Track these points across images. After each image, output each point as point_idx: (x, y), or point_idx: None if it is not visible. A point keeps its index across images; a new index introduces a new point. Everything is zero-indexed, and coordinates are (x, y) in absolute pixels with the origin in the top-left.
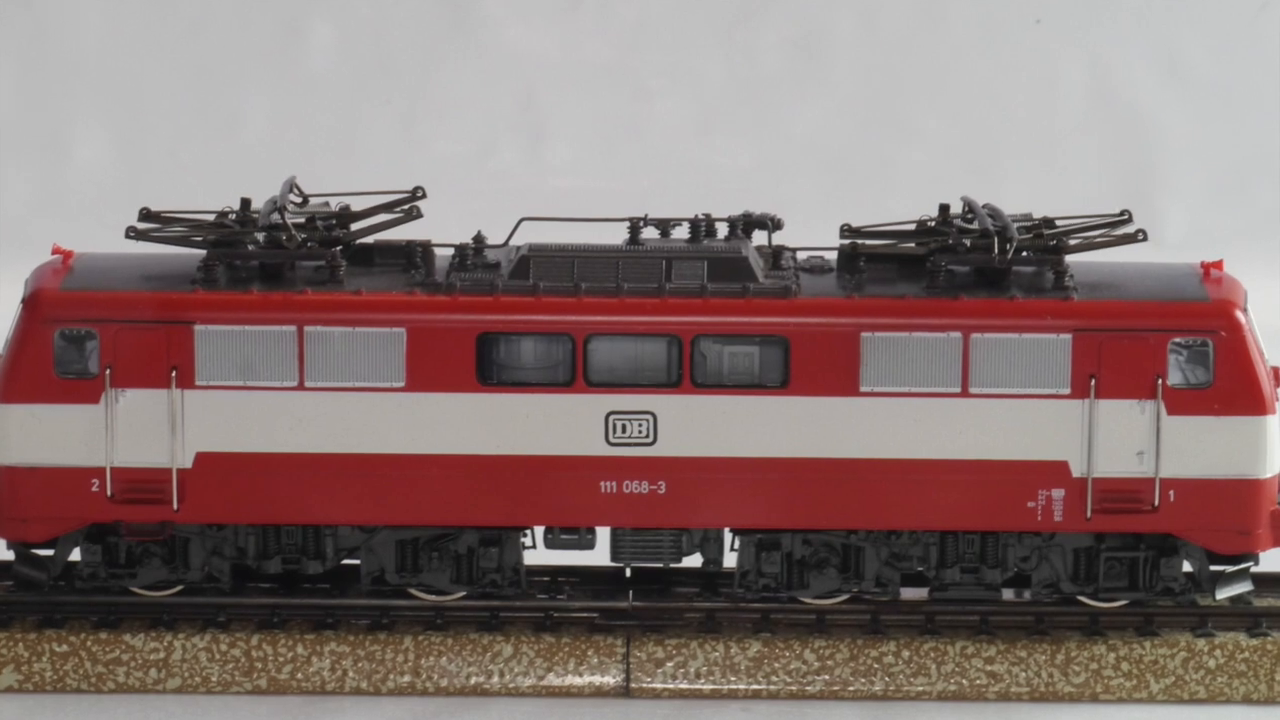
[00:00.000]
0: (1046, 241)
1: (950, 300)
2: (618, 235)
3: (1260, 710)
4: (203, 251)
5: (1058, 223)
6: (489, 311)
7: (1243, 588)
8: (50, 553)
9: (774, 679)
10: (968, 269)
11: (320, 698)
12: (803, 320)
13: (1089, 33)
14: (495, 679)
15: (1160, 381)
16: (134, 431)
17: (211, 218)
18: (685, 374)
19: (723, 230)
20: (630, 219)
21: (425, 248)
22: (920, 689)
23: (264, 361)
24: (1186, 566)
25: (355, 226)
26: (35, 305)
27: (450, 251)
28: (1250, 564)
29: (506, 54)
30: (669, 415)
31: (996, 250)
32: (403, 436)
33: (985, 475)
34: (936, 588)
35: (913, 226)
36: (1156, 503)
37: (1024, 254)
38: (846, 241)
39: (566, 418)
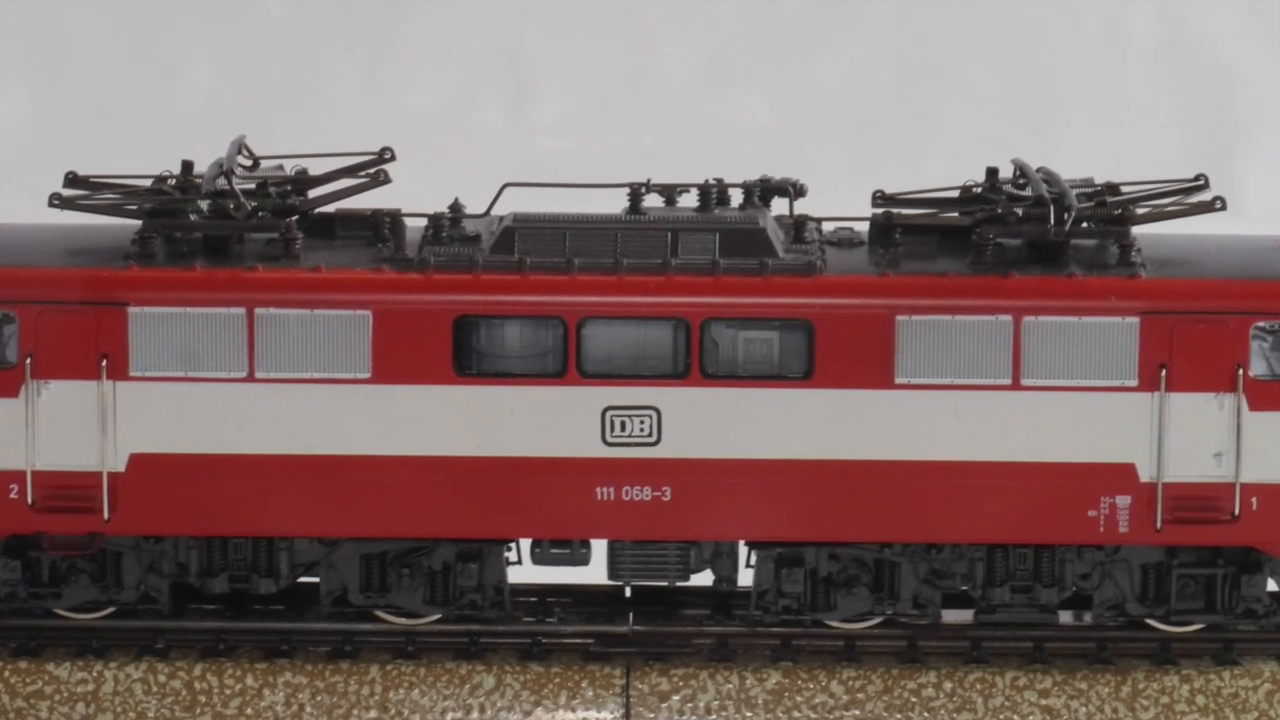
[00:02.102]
0: (1110, 211)
1: (999, 278)
2: (616, 203)
3: None
4: (138, 222)
5: (1123, 189)
6: (467, 291)
7: None
8: None
9: (796, 714)
10: (1019, 242)
11: None
12: (829, 301)
13: None
14: (475, 715)
15: (1241, 372)
16: (58, 430)
17: (148, 183)
18: (693, 363)
19: (737, 198)
20: (630, 185)
21: (394, 218)
22: None
23: (209, 349)
24: (1272, 585)
25: (313, 193)
26: None
27: (423, 222)
28: None
29: None
30: (675, 411)
31: (1053, 220)
32: (368, 435)
33: (1039, 480)
34: (983, 610)
35: (956, 194)
36: (1237, 511)
37: (1084, 225)
38: (880, 211)
39: (557, 414)
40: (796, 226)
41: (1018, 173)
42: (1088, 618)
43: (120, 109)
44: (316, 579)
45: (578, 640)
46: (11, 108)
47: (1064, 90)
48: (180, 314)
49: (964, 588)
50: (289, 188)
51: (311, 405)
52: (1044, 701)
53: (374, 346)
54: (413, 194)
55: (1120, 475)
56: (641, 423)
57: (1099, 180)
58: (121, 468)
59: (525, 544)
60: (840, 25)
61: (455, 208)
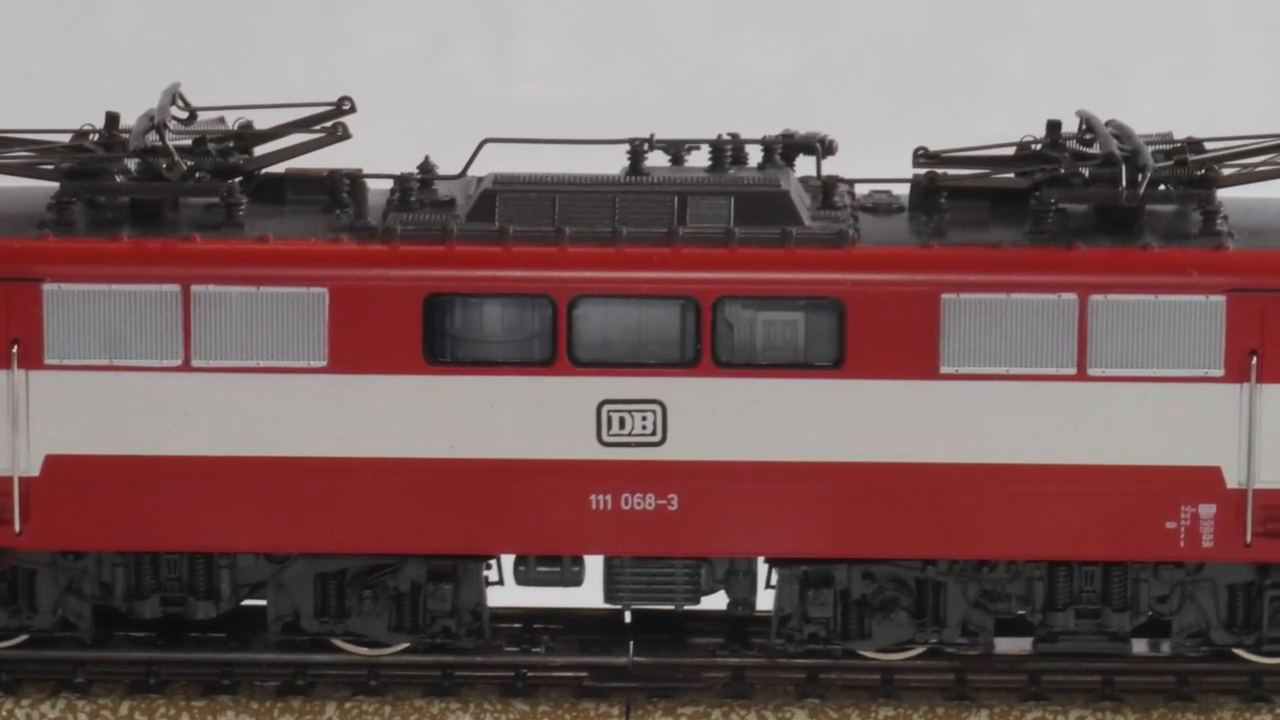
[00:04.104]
0: (1191, 171)
1: (1062, 250)
2: (614, 163)
3: None
4: (55, 185)
5: (1207, 146)
6: (440, 265)
7: None
8: None
9: None
10: (1086, 208)
11: None
12: (863, 277)
13: None
14: None
15: None
16: None
17: (66, 139)
18: (704, 350)
19: (755, 156)
20: (631, 141)
21: (354, 180)
22: None
23: (137, 333)
24: None
25: (260, 151)
26: None
27: (388, 185)
28: None
29: None
30: (682, 405)
31: (1124, 183)
32: (324, 434)
33: (1109, 486)
34: (1043, 638)
35: (1011, 151)
36: None
37: (1161, 188)
38: (922, 171)
39: (545, 408)
40: (825, 190)
41: (1084, 126)
42: (1165, 647)
43: (33, 52)
44: (263, 602)
45: (569, 674)
46: None
47: (1137, 31)
48: (104, 292)
49: (1021, 612)
50: (231, 144)
51: (258, 399)
52: None
53: (331, 330)
54: (376, 152)
55: (1203, 481)
56: (643, 419)
57: (1178, 136)
58: (35, 472)
59: (508, 561)
60: None
61: (425, 168)
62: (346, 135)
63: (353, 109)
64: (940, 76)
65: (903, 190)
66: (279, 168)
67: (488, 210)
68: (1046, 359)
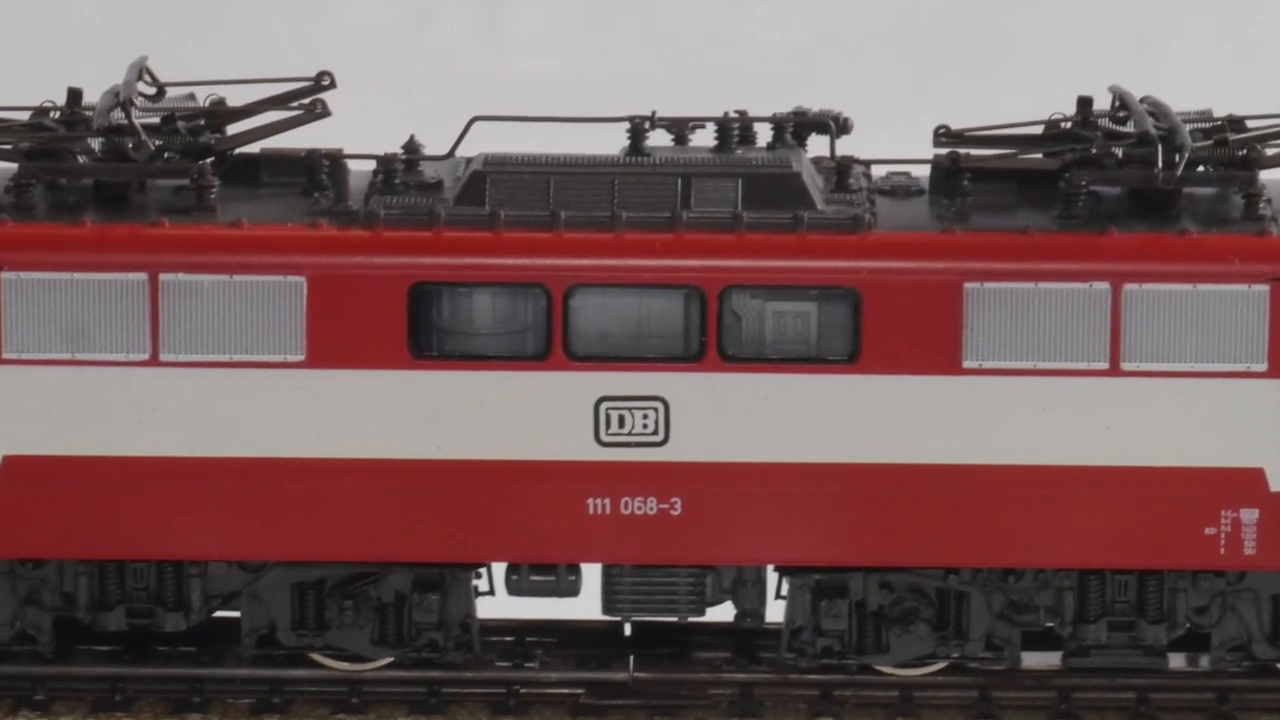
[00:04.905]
0: (1233, 151)
1: (1094, 236)
2: (613, 142)
3: None
4: (13, 165)
5: (1249, 124)
6: (426, 252)
7: None
8: None
9: None
10: (1119, 191)
11: None
12: (880, 265)
13: None
14: None
15: None
16: None
17: (25, 117)
18: (710, 343)
19: (765, 135)
20: (631, 118)
21: (334, 160)
22: None
23: (102, 325)
24: None
25: (233, 130)
26: None
27: (370, 166)
28: None
29: None
30: (686, 402)
31: (1161, 164)
32: (302, 433)
33: (1144, 490)
34: (1074, 652)
35: (1039, 130)
36: None
37: (1200, 169)
38: (944, 152)
39: (539, 406)
40: (839, 171)
41: (1117, 103)
42: (1205, 662)
43: None
44: (237, 614)
45: (565, 690)
46: None
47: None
48: (66, 280)
49: (1049, 625)
50: (202, 122)
51: (231, 396)
52: None
53: (309, 322)
54: (357, 130)
55: (1245, 483)
56: (644, 417)
57: (1218, 113)
58: None
59: (499, 569)
60: None
61: (411, 148)
62: (326, 113)
63: (332, 84)
64: (963, 49)
65: (923, 172)
66: (253, 148)
67: (477, 193)
68: (1077, 353)
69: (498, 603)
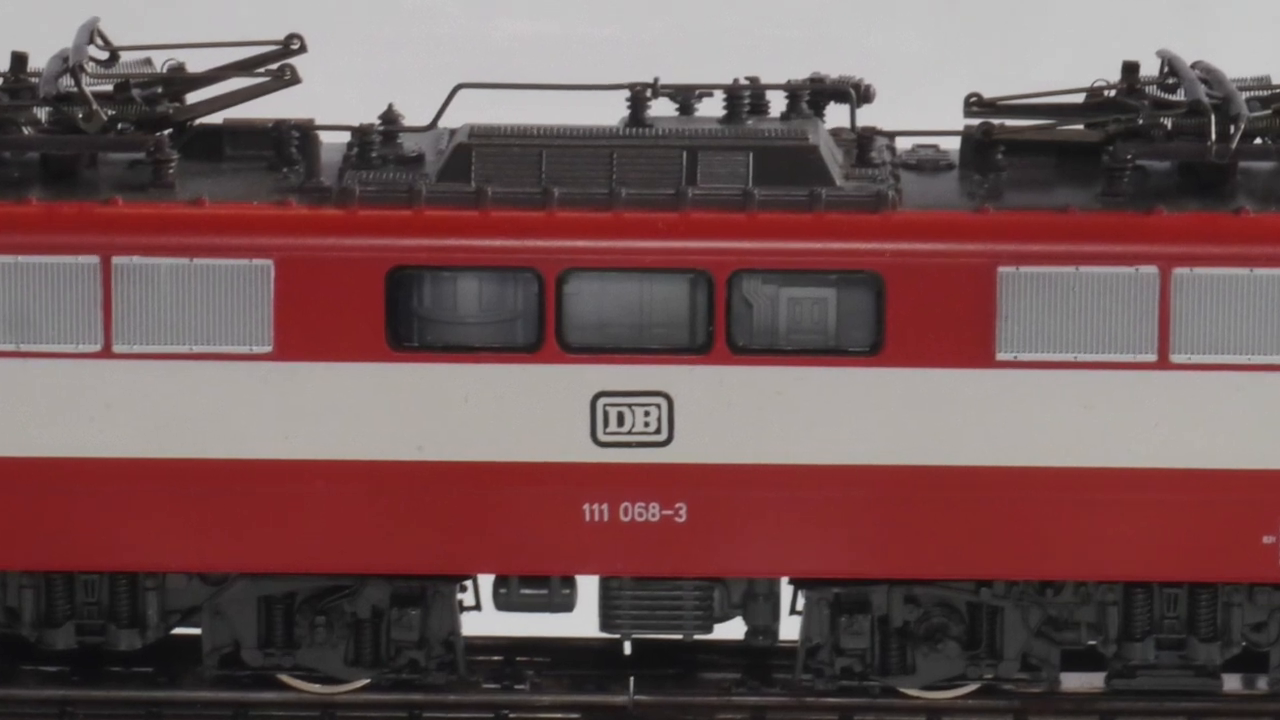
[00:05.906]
0: None
1: (1141, 215)
2: (610, 112)
3: None
4: None
5: None
6: (407, 233)
7: None
8: None
9: None
10: (1168, 165)
11: None
12: (905, 247)
13: None
14: None
15: None
16: None
17: None
18: (718, 333)
19: (779, 104)
20: (631, 86)
21: (305, 132)
22: None
23: (49, 313)
24: None
25: (193, 98)
26: None
27: (345, 138)
28: None
29: None
30: (692, 398)
31: (1214, 136)
32: (269, 432)
33: (1196, 494)
34: (1118, 673)
35: (1080, 99)
36: None
37: (1257, 141)
38: (975, 122)
39: (530, 403)
40: (860, 144)
41: (1165, 69)
42: (1262, 683)
43: None
44: (197, 631)
45: (559, 715)
46: None
47: None
48: (9, 264)
49: (1091, 643)
50: (159, 90)
51: (191, 391)
52: None
53: (277, 310)
54: (330, 99)
55: None
56: (646, 415)
57: (1277, 80)
58: None
59: (486, 582)
60: None
61: (389, 118)
62: (296, 79)
63: (303, 48)
64: (996, 7)
65: (952, 144)
66: (215, 118)
67: (462, 168)
68: (1122, 344)
69: (485, 619)
